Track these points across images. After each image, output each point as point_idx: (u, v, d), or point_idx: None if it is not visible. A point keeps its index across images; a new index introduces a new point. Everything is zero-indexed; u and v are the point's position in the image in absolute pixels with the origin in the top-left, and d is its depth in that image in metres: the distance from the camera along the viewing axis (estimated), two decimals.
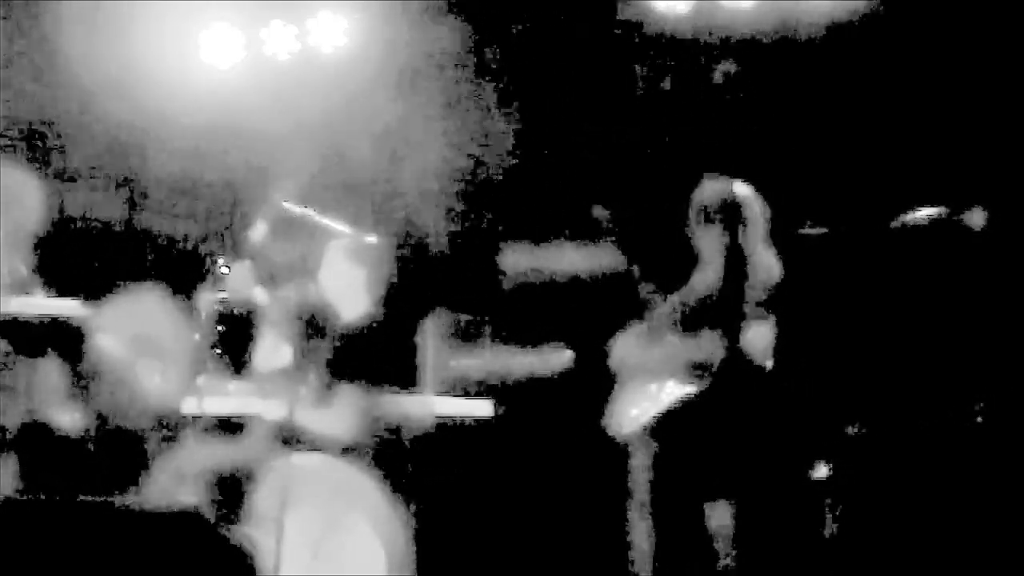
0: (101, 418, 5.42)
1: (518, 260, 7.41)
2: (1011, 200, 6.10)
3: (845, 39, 6.81)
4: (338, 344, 5.85)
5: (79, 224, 7.47)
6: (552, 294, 7.25)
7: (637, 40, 7.24)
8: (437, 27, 7.48)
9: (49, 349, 5.25)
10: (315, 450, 5.62)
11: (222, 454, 5.63)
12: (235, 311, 6.00)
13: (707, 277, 5.52)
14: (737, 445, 5.29)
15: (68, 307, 5.26)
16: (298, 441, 5.59)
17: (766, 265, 5.50)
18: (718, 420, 5.35)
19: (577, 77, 7.32)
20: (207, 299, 5.78)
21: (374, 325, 5.94)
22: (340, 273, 5.94)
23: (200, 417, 5.68)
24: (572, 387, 6.94)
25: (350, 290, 5.94)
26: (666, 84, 7.24)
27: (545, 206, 7.34)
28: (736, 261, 5.40)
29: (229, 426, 5.86)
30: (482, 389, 6.94)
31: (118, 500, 5.06)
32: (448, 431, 6.28)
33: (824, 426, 5.37)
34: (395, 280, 6.50)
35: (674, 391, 5.52)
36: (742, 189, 5.59)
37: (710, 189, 5.63)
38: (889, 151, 6.60)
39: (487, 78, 7.52)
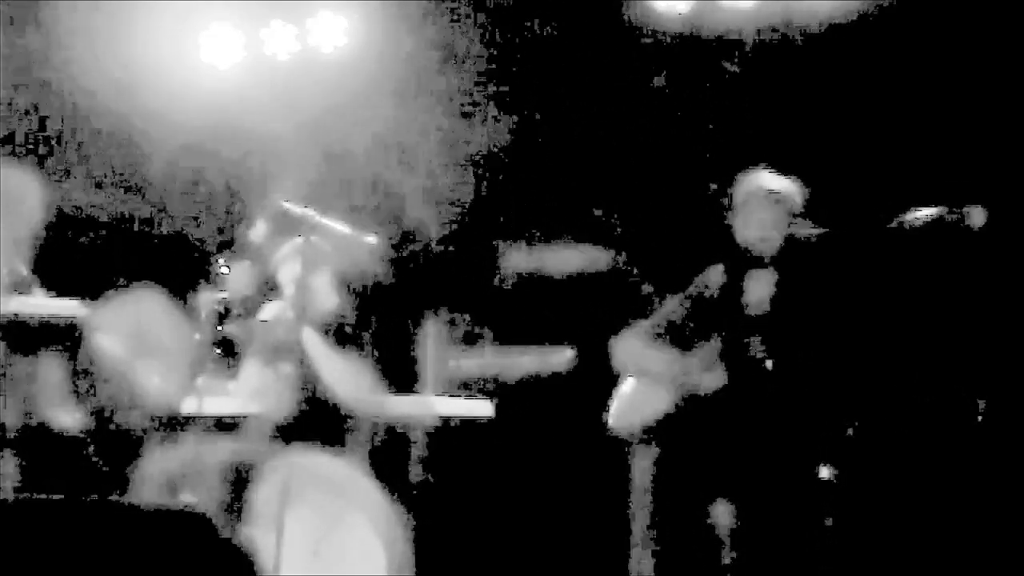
0: (101, 418, 5.42)
1: (518, 260, 7.41)
2: (1011, 200, 6.10)
3: (845, 39, 6.81)
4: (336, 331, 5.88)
5: (79, 224, 7.47)
6: (552, 294, 7.25)
7: (637, 40, 7.24)
8: (437, 27, 7.48)
9: (49, 349, 5.24)
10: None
11: (221, 454, 5.63)
12: (235, 311, 6.00)
13: (711, 277, 5.53)
14: (739, 445, 5.29)
15: (68, 307, 5.25)
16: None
17: None
18: (720, 420, 5.35)
19: (577, 76, 7.32)
20: (207, 299, 5.78)
21: (374, 325, 5.94)
22: (299, 278, 5.83)
23: (200, 417, 5.68)
24: (572, 387, 6.94)
25: (314, 291, 5.89)
26: (665, 84, 7.24)
27: (545, 206, 7.34)
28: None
29: (228, 426, 5.86)
30: (482, 389, 6.95)
31: (118, 500, 5.06)
32: (448, 431, 6.28)
33: (825, 427, 5.37)
34: (394, 279, 6.51)
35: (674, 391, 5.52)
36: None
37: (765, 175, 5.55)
38: (889, 151, 6.60)
39: (487, 77, 7.52)
